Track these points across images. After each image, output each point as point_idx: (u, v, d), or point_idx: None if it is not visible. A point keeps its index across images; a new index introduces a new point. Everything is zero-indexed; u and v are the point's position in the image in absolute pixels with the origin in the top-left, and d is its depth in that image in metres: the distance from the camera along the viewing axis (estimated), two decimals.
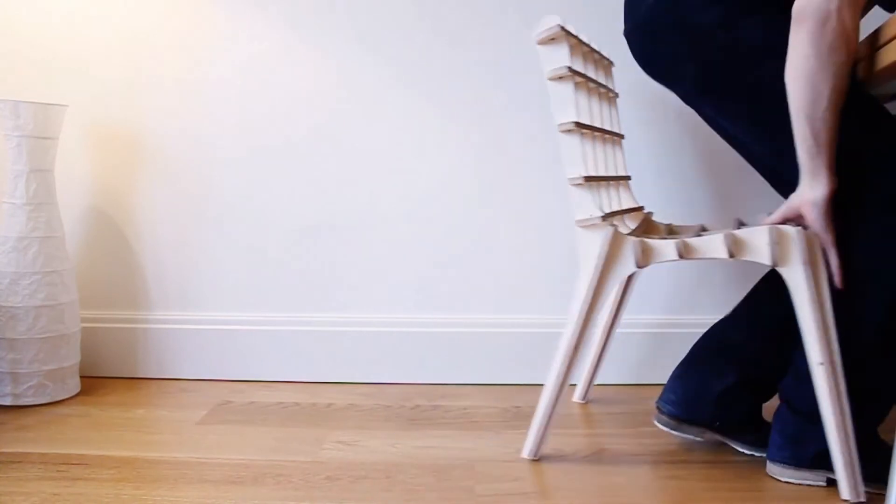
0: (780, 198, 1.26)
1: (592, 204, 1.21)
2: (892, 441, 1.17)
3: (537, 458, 1.27)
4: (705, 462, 1.27)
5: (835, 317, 1.10)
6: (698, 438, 1.30)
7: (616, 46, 1.60)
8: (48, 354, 1.53)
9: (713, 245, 1.15)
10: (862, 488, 1.10)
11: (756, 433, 1.29)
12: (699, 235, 1.18)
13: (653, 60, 1.28)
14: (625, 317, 1.68)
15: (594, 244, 1.20)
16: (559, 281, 1.72)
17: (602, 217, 1.20)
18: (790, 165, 1.12)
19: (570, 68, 1.18)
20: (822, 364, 1.09)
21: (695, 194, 1.71)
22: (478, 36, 1.67)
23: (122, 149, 1.71)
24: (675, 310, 1.73)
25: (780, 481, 1.18)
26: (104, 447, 1.31)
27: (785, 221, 1.14)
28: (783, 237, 1.11)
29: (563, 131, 1.21)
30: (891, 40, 1.04)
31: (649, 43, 1.26)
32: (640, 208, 1.51)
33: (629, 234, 1.21)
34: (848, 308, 1.11)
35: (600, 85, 1.37)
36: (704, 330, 1.36)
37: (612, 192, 1.42)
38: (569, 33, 1.19)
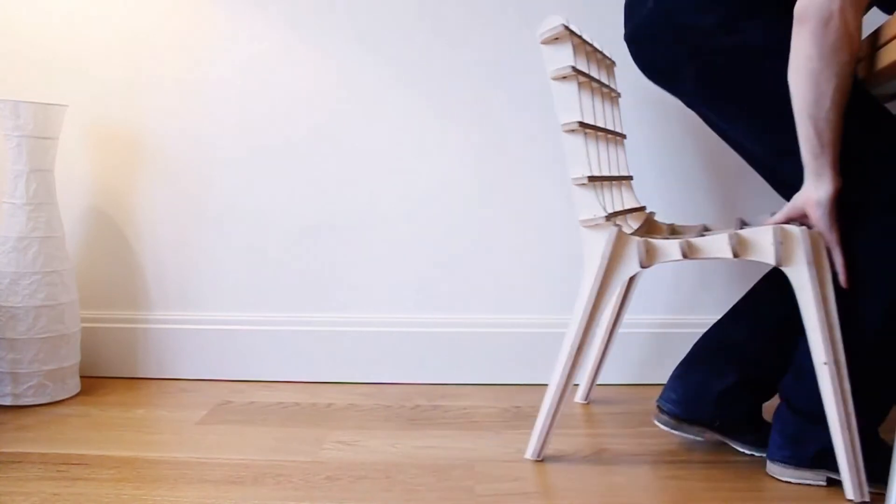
0: (782, 198, 1.27)
1: (596, 204, 1.20)
2: (892, 441, 1.17)
3: (541, 459, 1.27)
4: (705, 462, 1.27)
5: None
6: (698, 438, 1.30)
7: (617, 46, 1.61)
8: (48, 354, 1.53)
9: (717, 245, 1.15)
10: (866, 488, 1.10)
11: (756, 433, 1.29)
12: (702, 235, 1.17)
13: (653, 64, 1.28)
14: (627, 317, 1.68)
15: (598, 244, 1.20)
16: (559, 281, 1.72)
17: (606, 217, 1.20)
18: (792, 166, 1.12)
19: (573, 68, 1.18)
20: (826, 364, 1.09)
21: (697, 194, 1.70)
22: (478, 36, 1.68)
23: (122, 149, 1.71)
24: (677, 310, 1.73)
25: (781, 481, 1.18)
26: (104, 447, 1.31)
27: (789, 221, 1.14)
28: (788, 237, 1.11)
29: (567, 131, 1.21)
30: (891, 40, 1.04)
31: (649, 47, 1.26)
32: (643, 208, 1.51)
33: (632, 234, 1.21)
34: (849, 308, 1.11)
35: (603, 84, 1.37)
36: (706, 330, 1.36)
37: (615, 192, 1.42)
38: (572, 33, 1.19)
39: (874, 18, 1.45)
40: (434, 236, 1.72)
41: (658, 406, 1.32)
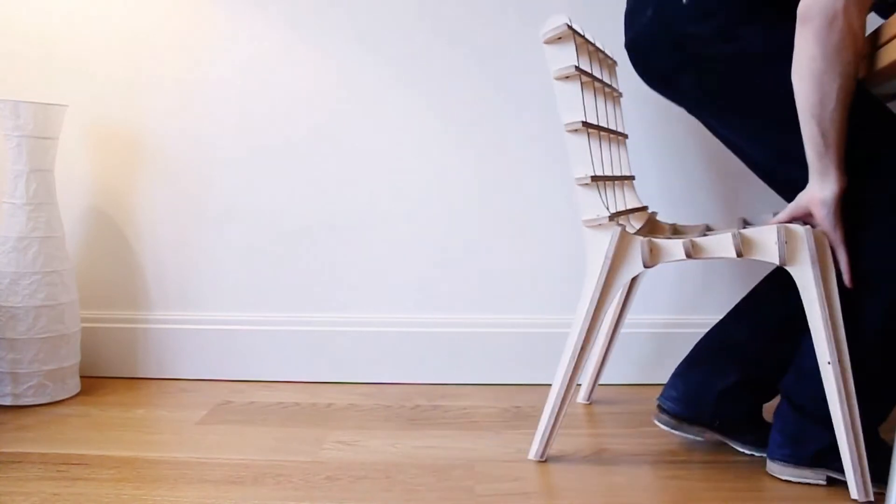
0: (784, 201, 1.26)
1: (600, 203, 1.20)
2: (893, 441, 1.17)
3: (544, 460, 1.27)
4: (705, 462, 1.27)
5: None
6: (698, 438, 1.30)
7: (618, 46, 1.61)
8: (48, 354, 1.53)
9: (721, 244, 1.14)
10: (871, 487, 1.10)
11: (756, 433, 1.29)
12: (704, 235, 1.17)
13: (653, 72, 1.28)
14: (629, 317, 1.68)
15: (602, 244, 1.20)
16: (559, 281, 1.72)
17: (609, 217, 1.19)
18: (795, 170, 1.12)
19: (577, 67, 1.18)
20: (830, 363, 1.09)
21: (699, 194, 1.70)
22: (478, 36, 1.67)
23: (122, 149, 1.71)
24: (679, 310, 1.73)
25: (781, 480, 1.18)
26: (104, 447, 1.31)
27: (792, 220, 1.14)
28: (792, 236, 1.10)
29: (570, 131, 1.21)
30: (891, 39, 1.04)
31: (649, 55, 1.26)
32: (645, 208, 1.51)
33: (635, 233, 1.21)
34: (852, 307, 1.11)
35: (605, 84, 1.37)
36: (708, 330, 1.36)
37: (618, 191, 1.42)
38: (576, 32, 1.19)
39: (874, 18, 1.45)
40: (434, 236, 1.72)
41: (658, 405, 1.32)
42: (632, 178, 1.51)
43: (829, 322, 1.09)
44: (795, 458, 1.17)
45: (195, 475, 1.19)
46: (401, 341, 1.72)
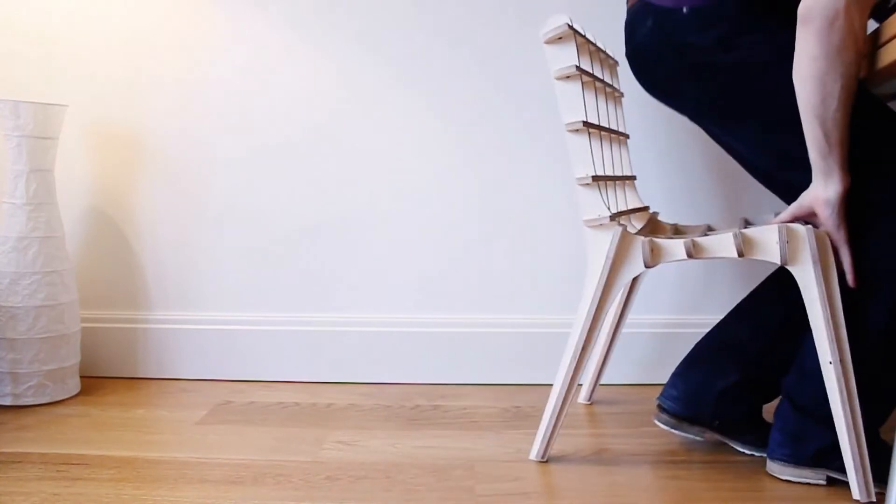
0: (786, 204, 1.26)
1: (601, 203, 1.20)
2: (893, 441, 1.17)
3: (545, 460, 1.27)
4: (705, 462, 1.27)
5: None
6: (698, 438, 1.30)
7: (618, 47, 1.61)
8: (48, 354, 1.53)
9: (723, 244, 1.14)
10: (873, 488, 1.10)
11: (756, 433, 1.29)
12: (706, 235, 1.17)
13: (655, 82, 1.28)
14: (630, 317, 1.68)
15: (603, 244, 1.20)
16: (559, 281, 1.72)
17: (610, 217, 1.19)
18: (798, 174, 1.12)
19: (578, 67, 1.17)
20: (832, 363, 1.09)
21: (700, 194, 1.70)
22: (478, 36, 1.67)
23: (122, 149, 1.71)
24: (681, 310, 1.73)
25: (781, 480, 1.18)
26: (104, 447, 1.31)
27: (794, 220, 1.13)
28: (793, 236, 1.10)
29: (571, 131, 1.21)
30: (891, 39, 1.04)
31: (651, 65, 1.26)
32: (646, 208, 1.51)
33: (636, 233, 1.20)
34: (855, 307, 1.11)
35: (606, 84, 1.37)
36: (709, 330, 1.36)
37: (619, 191, 1.42)
38: (576, 32, 1.19)
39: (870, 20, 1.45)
40: (434, 236, 1.72)
41: (658, 404, 1.32)
42: (633, 178, 1.51)
43: (830, 321, 1.09)
44: (796, 458, 1.17)
45: (195, 475, 1.19)
46: (401, 341, 1.72)
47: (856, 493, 1.10)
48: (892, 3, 1.27)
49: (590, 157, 1.20)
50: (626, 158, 1.52)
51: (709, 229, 1.42)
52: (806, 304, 1.11)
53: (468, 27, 1.67)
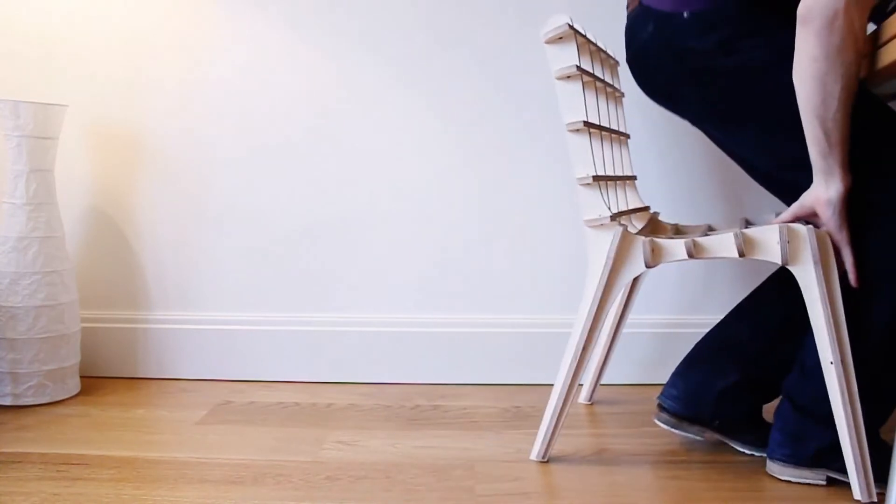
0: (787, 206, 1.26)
1: (601, 203, 1.20)
2: (893, 441, 1.17)
3: (546, 460, 1.27)
4: (705, 462, 1.27)
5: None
6: (698, 437, 1.30)
7: (619, 47, 1.61)
8: (48, 354, 1.53)
9: (723, 244, 1.14)
10: (874, 488, 1.10)
11: (756, 433, 1.29)
12: (706, 235, 1.17)
13: (656, 87, 1.28)
14: (631, 317, 1.68)
15: (603, 244, 1.20)
16: (559, 281, 1.72)
17: (611, 217, 1.19)
18: (802, 176, 1.12)
19: (578, 67, 1.17)
20: (833, 363, 1.09)
21: (700, 194, 1.70)
22: (478, 36, 1.67)
23: (122, 149, 1.71)
24: (682, 310, 1.73)
25: (780, 480, 1.18)
26: (104, 447, 1.31)
27: (795, 220, 1.13)
28: (794, 236, 1.10)
29: (572, 130, 1.20)
30: (891, 39, 1.04)
31: (651, 70, 1.26)
32: (647, 208, 1.51)
33: (637, 233, 1.20)
34: (857, 307, 1.10)
35: (607, 84, 1.37)
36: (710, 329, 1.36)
37: (619, 191, 1.42)
38: (577, 32, 1.19)
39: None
40: (434, 236, 1.72)
41: (658, 404, 1.32)
42: (633, 178, 1.51)
43: (831, 322, 1.09)
44: (795, 458, 1.17)
45: (195, 475, 1.19)
46: (401, 341, 1.72)
47: (857, 493, 1.10)
48: (892, 6, 1.27)
49: (590, 156, 1.20)
50: (627, 158, 1.52)
51: (709, 229, 1.42)
52: (807, 305, 1.11)
53: (468, 27, 1.67)
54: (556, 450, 1.32)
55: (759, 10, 1.14)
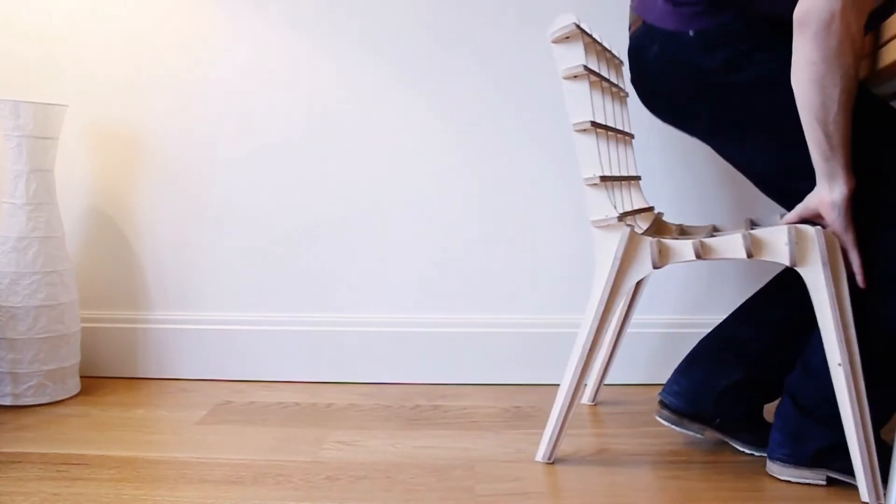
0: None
1: (608, 204, 1.20)
2: (893, 441, 1.17)
3: (551, 462, 1.26)
4: (706, 462, 1.27)
5: None
6: (699, 436, 1.30)
7: (623, 47, 1.61)
8: (48, 354, 1.53)
9: (732, 245, 1.14)
10: (882, 490, 1.09)
11: (756, 432, 1.29)
12: (712, 236, 1.17)
13: (662, 105, 1.28)
14: (635, 317, 1.67)
15: (611, 245, 1.19)
16: (559, 281, 1.72)
17: (618, 217, 1.19)
18: (802, 180, 1.12)
19: (585, 67, 1.17)
20: (840, 364, 1.08)
21: (705, 194, 1.70)
22: (478, 36, 1.67)
23: (122, 149, 1.71)
24: (686, 310, 1.72)
25: (780, 480, 1.18)
26: (104, 447, 1.31)
27: (801, 221, 1.13)
28: (802, 237, 1.10)
29: (579, 130, 1.20)
30: (891, 39, 1.04)
31: (658, 90, 1.26)
32: (651, 208, 1.50)
33: (643, 234, 1.20)
34: (864, 308, 1.10)
35: (612, 84, 1.37)
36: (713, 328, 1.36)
37: (625, 192, 1.42)
38: (584, 32, 1.19)
39: None
40: (434, 236, 1.72)
41: (660, 400, 1.32)
42: (638, 178, 1.50)
43: (839, 323, 1.09)
44: (795, 458, 1.17)
45: (195, 475, 1.19)
46: (401, 341, 1.72)
47: (864, 495, 1.10)
48: (892, 9, 1.27)
49: (597, 157, 1.20)
50: (632, 158, 1.51)
51: (714, 230, 1.42)
52: (815, 306, 1.10)
53: (468, 27, 1.67)
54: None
55: (764, 26, 1.14)
